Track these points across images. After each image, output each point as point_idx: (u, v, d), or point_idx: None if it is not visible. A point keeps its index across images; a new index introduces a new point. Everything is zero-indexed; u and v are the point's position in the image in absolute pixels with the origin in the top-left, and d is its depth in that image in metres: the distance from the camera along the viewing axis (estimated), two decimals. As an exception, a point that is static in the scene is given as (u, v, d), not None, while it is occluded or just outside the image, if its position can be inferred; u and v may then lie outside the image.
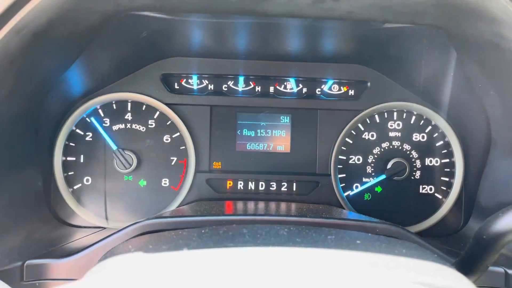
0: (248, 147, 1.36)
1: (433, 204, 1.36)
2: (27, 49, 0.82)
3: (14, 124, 1.00)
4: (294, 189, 1.36)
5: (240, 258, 0.56)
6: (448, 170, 1.36)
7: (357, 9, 0.85)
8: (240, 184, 1.35)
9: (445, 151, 1.36)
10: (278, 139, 1.37)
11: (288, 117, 1.37)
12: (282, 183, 1.36)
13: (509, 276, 1.02)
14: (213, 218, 0.92)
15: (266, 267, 0.52)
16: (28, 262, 0.92)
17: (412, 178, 1.36)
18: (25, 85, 0.97)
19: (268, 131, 1.37)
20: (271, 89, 1.37)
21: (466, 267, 0.86)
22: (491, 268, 1.03)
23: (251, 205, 1.22)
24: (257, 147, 1.36)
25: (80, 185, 1.31)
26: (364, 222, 0.98)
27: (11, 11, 0.75)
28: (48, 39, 0.86)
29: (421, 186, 1.37)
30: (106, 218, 1.31)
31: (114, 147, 1.28)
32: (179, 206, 1.31)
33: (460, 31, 0.91)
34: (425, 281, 0.58)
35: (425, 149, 1.37)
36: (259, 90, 1.37)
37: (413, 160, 1.36)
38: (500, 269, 1.01)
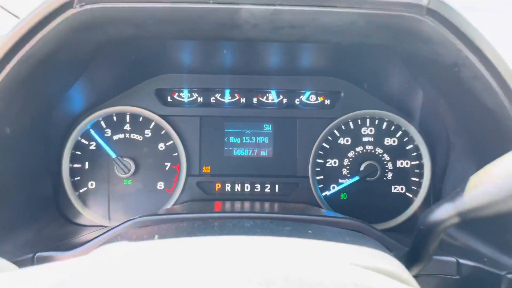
0: (235, 153, 1.51)
1: (404, 202, 1.49)
2: (34, 74, 0.99)
3: (25, 136, 1.17)
4: (277, 190, 1.50)
5: (196, 246, 0.71)
6: (418, 171, 1.49)
7: (311, 34, 0.99)
8: (228, 186, 1.50)
9: (415, 154, 1.49)
10: (262, 145, 1.51)
11: (270, 125, 1.51)
12: (266, 185, 1.50)
13: (461, 264, 1.15)
14: (196, 216, 1.07)
15: (215, 252, 0.67)
16: (38, 254, 1.07)
17: (385, 179, 1.49)
18: (33, 104, 1.14)
19: (252, 138, 1.51)
20: (255, 100, 1.52)
21: (412, 257, 1.00)
22: (444, 258, 1.17)
23: (237, 204, 1.37)
24: (242, 153, 1.51)
25: (85, 188, 1.48)
26: (329, 217, 1.12)
27: (20, 43, 0.92)
28: (52, 65, 1.02)
29: (393, 186, 1.49)
30: (109, 218, 1.47)
31: (113, 155, 1.45)
32: (172, 206, 1.46)
33: (402, 49, 1.04)
34: (356, 261, 0.72)
35: (396, 152, 1.50)
36: (244, 102, 1.52)
37: (385, 162, 1.49)
38: (453, 259, 1.14)
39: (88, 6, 0.88)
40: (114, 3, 0.89)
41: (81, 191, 1.47)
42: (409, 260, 1.02)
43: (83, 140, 1.47)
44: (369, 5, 0.89)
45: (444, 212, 0.91)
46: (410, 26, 0.93)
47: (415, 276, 1.06)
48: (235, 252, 0.66)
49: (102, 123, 1.48)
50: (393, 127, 1.50)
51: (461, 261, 1.14)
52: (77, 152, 1.47)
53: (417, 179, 1.49)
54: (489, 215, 0.88)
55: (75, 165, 1.47)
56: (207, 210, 1.24)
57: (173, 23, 0.96)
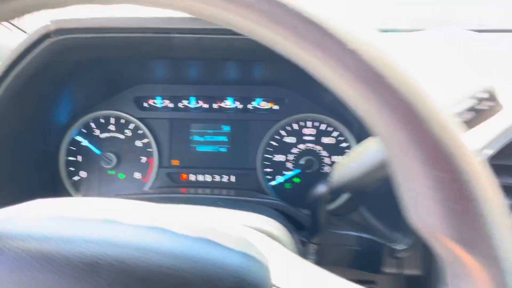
0: (198, 149, 1.83)
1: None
2: (28, 86, 1.34)
3: (28, 134, 1.53)
4: (233, 180, 1.81)
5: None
6: (351, 165, 1.77)
7: (230, 55, 1.31)
8: (192, 177, 1.82)
9: (347, 150, 1.77)
10: (221, 143, 1.82)
11: (228, 127, 1.82)
12: (223, 176, 1.81)
13: (360, 238, 1.43)
14: (160, 195, 1.39)
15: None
16: None
17: (321, 171, 1.77)
18: (32, 109, 1.50)
19: (213, 137, 1.83)
20: (215, 106, 1.84)
21: (312, 228, 1.30)
22: (347, 232, 1.45)
23: (199, 190, 1.69)
24: (205, 149, 1.83)
25: (78, 177, 1.83)
26: (260, 199, 1.42)
27: (14, 64, 1.26)
28: (40, 80, 1.37)
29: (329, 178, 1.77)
30: (96, 201, 1.82)
31: (98, 152, 1.79)
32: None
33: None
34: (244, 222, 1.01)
35: (332, 149, 1.78)
36: (206, 107, 1.84)
37: (322, 158, 1.77)
38: (354, 233, 1.42)
39: (61, 37, 1.23)
40: (81, 34, 1.23)
41: (74, 179, 1.82)
42: (311, 231, 1.32)
43: (77, 137, 1.83)
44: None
45: (321, 189, 1.21)
46: None
47: (318, 244, 1.37)
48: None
49: (92, 124, 1.83)
50: (330, 128, 1.78)
51: (361, 234, 1.42)
52: (72, 148, 1.82)
53: (350, 172, 1.77)
54: (351, 190, 1.18)
55: (69, 158, 1.82)
56: (173, 192, 1.57)
57: (129, 47, 1.30)
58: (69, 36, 1.22)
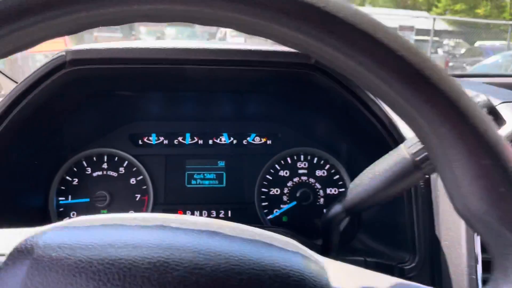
0: (194, 185, 1.83)
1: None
2: (33, 117, 1.33)
3: (21, 171, 1.48)
4: (229, 215, 1.81)
5: None
6: (344, 196, 1.83)
7: (241, 86, 1.38)
8: (188, 213, 1.80)
9: (340, 182, 1.83)
10: (216, 178, 1.84)
11: (223, 162, 1.85)
12: (220, 211, 1.81)
13: (368, 262, 1.46)
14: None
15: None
16: None
17: (317, 203, 1.82)
18: (32, 143, 1.47)
19: (209, 172, 1.84)
20: (210, 141, 1.87)
21: (323, 249, 1.32)
22: (355, 257, 1.48)
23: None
24: (201, 185, 1.83)
25: (67, 218, 1.76)
26: (264, 226, 1.44)
27: (23, 95, 1.26)
28: (47, 111, 1.37)
29: (324, 210, 1.82)
30: (87, 242, 1.74)
31: (86, 199, 1.75)
32: None
33: (307, 97, 1.43)
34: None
35: (326, 182, 1.84)
36: (202, 143, 1.87)
37: (317, 190, 1.83)
38: (361, 258, 1.45)
39: (76, 67, 1.25)
40: (94, 65, 1.26)
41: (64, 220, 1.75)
42: (322, 252, 1.34)
43: (67, 177, 1.78)
44: (273, 65, 1.27)
45: (335, 210, 1.25)
46: (307, 79, 1.32)
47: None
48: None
49: (84, 162, 1.80)
50: (322, 161, 1.85)
51: (368, 259, 1.45)
52: (62, 187, 1.77)
53: (344, 203, 1.82)
54: (365, 207, 1.23)
55: (60, 198, 1.76)
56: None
57: (141, 77, 1.33)
58: (83, 67, 1.24)
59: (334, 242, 1.29)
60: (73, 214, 1.76)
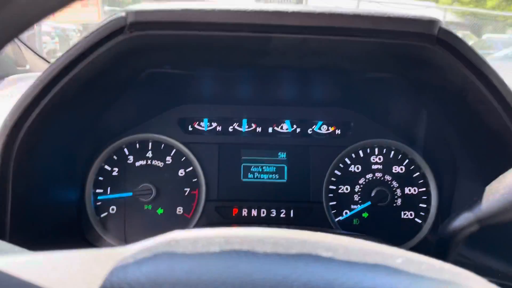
0: (251, 179, 1.58)
1: (413, 228, 1.55)
2: (79, 94, 1.08)
3: (57, 161, 1.24)
4: (291, 215, 1.56)
5: None
6: (425, 197, 1.57)
7: (332, 61, 1.11)
8: (245, 211, 1.56)
9: (421, 181, 1.57)
10: (277, 172, 1.59)
11: (284, 153, 1.60)
12: (281, 210, 1.56)
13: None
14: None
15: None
16: None
17: (394, 205, 1.56)
18: (72, 126, 1.22)
19: (268, 165, 1.59)
20: (270, 129, 1.61)
21: None
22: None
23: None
24: (258, 179, 1.58)
25: (106, 213, 1.52)
26: (353, 235, 1.18)
27: (71, 65, 1.01)
28: (95, 88, 1.11)
29: (402, 212, 1.56)
30: (125, 241, 1.51)
31: (129, 194, 1.51)
32: None
33: (414, 77, 1.16)
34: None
35: (404, 180, 1.58)
36: (260, 131, 1.61)
37: (394, 189, 1.57)
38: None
39: (137, 33, 0.99)
40: (159, 31, 1.00)
41: (102, 215, 1.52)
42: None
43: (106, 166, 1.54)
44: (385, 35, 1.01)
45: (464, 220, 0.99)
46: (422, 54, 1.05)
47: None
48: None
49: (125, 150, 1.55)
50: (400, 155, 1.59)
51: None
52: (99, 178, 1.53)
53: (424, 205, 1.56)
54: (505, 219, 0.96)
55: (97, 190, 1.52)
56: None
57: (211, 50, 1.07)
58: (146, 32, 0.99)
59: (452, 260, 1.03)
60: (113, 210, 1.52)
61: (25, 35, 2.31)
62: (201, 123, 1.60)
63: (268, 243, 0.52)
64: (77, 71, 1.00)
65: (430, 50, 1.03)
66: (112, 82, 1.15)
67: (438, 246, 1.03)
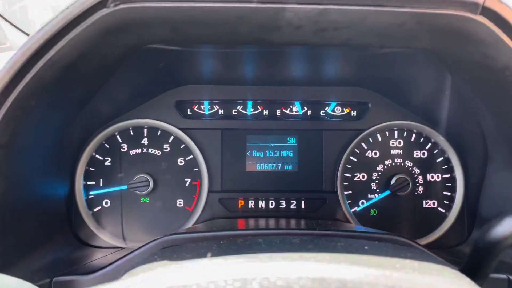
0: (258, 167, 1.43)
1: (436, 218, 1.42)
2: (59, 80, 0.92)
3: (40, 152, 1.09)
4: (303, 206, 1.42)
5: (259, 262, 0.63)
6: (450, 185, 1.42)
7: (356, 36, 0.94)
8: (251, 203, 1.42)
9: (446, 166, 1.43)
10: (286, 159, 1.44)
11: (294, 138, 1.44)
12: (291, 201, 1.42)
13: (512, 282, 1.07)
14: (227, 233, 0.98)
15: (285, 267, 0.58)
16: (55, 279, 0.98)
17: (416, 193, 1.42)
18: (54, 115, 1.06)
19: (276, 151, 1.44)
20: (278, 112, 1.46)
21: (468, 275, 0.91)
22: (495, 275, 1.09)
23: (262, 222, 1.28)
24: (266, 167, 1.44)
25: (99, 207, 1.38)
26: (371, 233, 1.04)
27: (46, 46, 0.84)
28: (77, 71, 0.95)
29: (424, 201, 1.42)
30: (124, 238, 1.38)
31: (124, 187, 1.37)
32: (194, 225, 1.37)
33: (450, 53, 0.99)
34: (430, 280, 0.64)
35: (426, 165, 1.43)
36: (267, 114, 1.45)
37: (415, 176, 1.42)
38: (503, 276, 1.06)
39: (123, 6, 0.82)
40: (150, 3, 0.83)
41: (95, 210, 1.38)
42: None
43: (97, 156, 1.39)
44: (421, 4, 0.84)
45: (510, 227, 0.84)
46: (462, 26, 0.88)
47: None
48: (305, 268, 0.58)
49: (118, 137, 1.40)
50: (422, 138, 1.44)
51: None
52: (91, 169, 1.38)
53: (449, 193, 1.42)
54: None
55: (88, 182, 1.38)
56: (235, 228, 1.15)
57: (212, 25, 0.90)
58: (133, 4, 0.81)
59: (487, 271, 0.89)
60: (106, 203, 1.39)
61: (6, 8, 2.12)
62: (201, 106, 1.44)
63: None
64: (53, 53, 0.83)
65: (472, 21, 0.86)
66: (98, 64, 0.99)
67: (475, 254, 0.89)
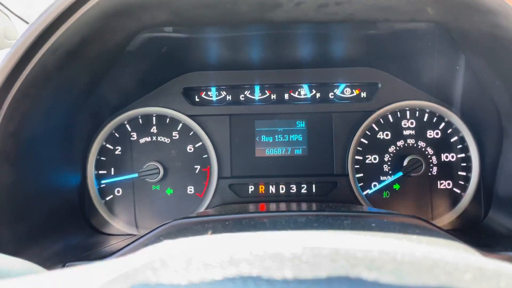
0: (267, 152, 1.42)
1: (452, 199, 1.38)
2: (62, 67, 0.92)
3: (49, 141, 1.10)
4: (314, 190, 1.41)
5: (261, 238, 0.62)
6: (465, 164, 1.39)
7: (358, 10, 0.91)
8: (261, 188, 1.41)
9: (460, 146, 1.39)
10: (295, 143, 1.42)
11: (303, 122, 1.43)
12: (302, 185, 1.41)
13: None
14: (236, 216, 0.97)
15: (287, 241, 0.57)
16: (68, 264, 0.99)
17: (429, 174, 1.39)
18: (61, 103, 1.07)
19: (285, 136, 1.43)
20: (286, 96, 1.44)
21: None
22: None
23: (273, 206, 1.28)
24: (275, 152, 1.42)
25: (111, 196, 1.40)
26: (383, 214, 1.02)
27: (47, 32, 0.85)
28: (80, 57, 0.95)
29: (438, 182, 1.39)
30: (136, 226, 1.39)
31: (135, 175, 1.37)
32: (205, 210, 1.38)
33: (458, 25, 0.96)
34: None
35: (440, 145, 1.40)
36: (275, 98, 1.44)
37: (429, 156, 1.39)
38: None
39: (121, -12, 0.82)
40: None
41: (107, 198, 1.39)
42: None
43: (108, 145, 1.40)
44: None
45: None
46: None
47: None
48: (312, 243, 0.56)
49: (128, 126, 1.41)
50: (435, 118, 1.40)
51: None
52: (102, 158, 1.40)
53: (464, 173, 1.39)
54: None
55: (100, 172, 1.39)
56: (246, 211, 1.15)
57: (211, 5, 0.89)
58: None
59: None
60: (118, 192, 1.40)
61: (25, 9, 2.14)
62: (209, 93, 1.44)
63: (286, 261, 0.37)
64: (55, 39, 0.84)
65: None
66: (100, 50, 0.99)
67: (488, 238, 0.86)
